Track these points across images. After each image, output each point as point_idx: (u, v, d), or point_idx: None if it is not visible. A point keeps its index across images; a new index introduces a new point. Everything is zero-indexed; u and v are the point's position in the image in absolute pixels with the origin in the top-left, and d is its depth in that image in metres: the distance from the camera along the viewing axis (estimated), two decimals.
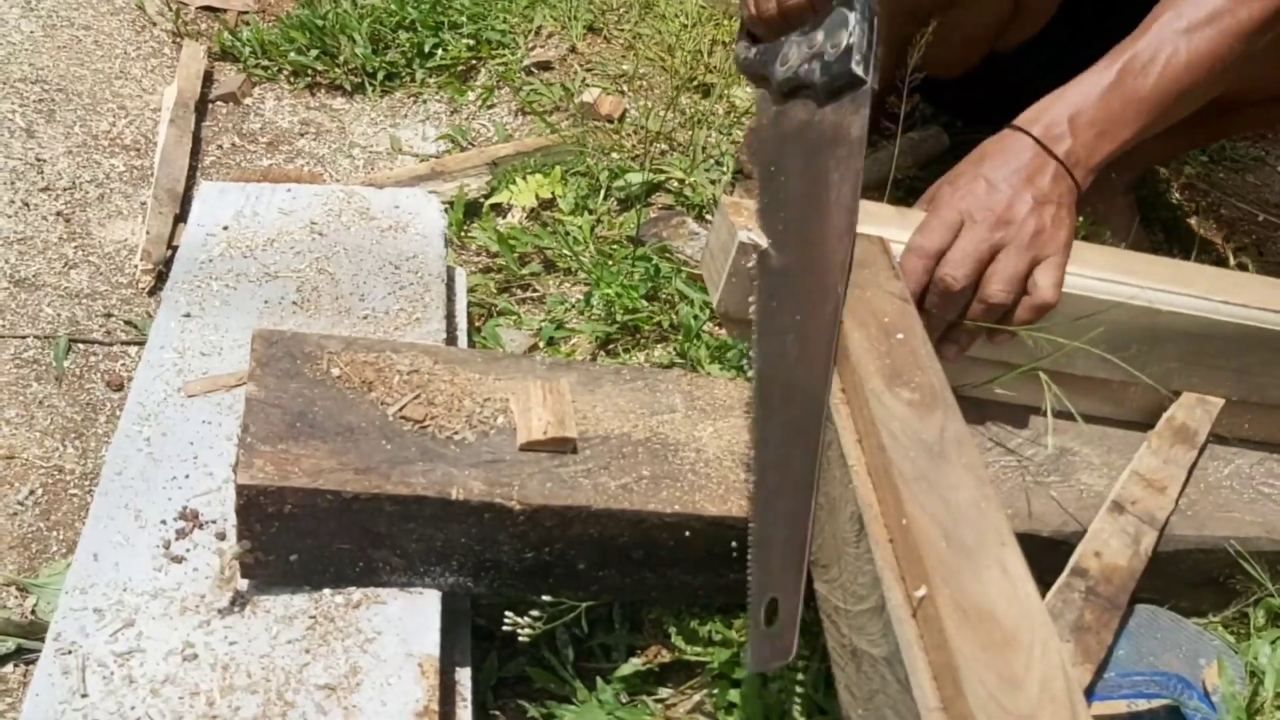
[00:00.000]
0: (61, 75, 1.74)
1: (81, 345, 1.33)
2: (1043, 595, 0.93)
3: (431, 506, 0.83)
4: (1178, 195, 1.94)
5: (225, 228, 1.23)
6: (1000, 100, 1.64)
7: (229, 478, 0.93)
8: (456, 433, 0.88)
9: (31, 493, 1.15)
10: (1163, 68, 1.02)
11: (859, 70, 0.97)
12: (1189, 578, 1.06)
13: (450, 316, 1.30)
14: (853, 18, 0.98)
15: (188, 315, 1.11)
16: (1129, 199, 1.65)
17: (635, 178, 1.60)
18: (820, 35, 1.01)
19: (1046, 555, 0.98)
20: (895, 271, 0.96)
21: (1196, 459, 1.06)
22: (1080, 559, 0.91)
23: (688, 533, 0.89)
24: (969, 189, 1.00)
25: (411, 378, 0.91)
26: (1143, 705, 0.96)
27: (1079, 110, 1.02)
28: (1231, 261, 1.75)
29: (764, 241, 0.96)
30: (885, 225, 1.01)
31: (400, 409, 0.88)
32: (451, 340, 1.26)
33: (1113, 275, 1.04)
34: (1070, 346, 1.01)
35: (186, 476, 0.95)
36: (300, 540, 0.83)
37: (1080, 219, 1.58)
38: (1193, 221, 1.87)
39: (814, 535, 0.85)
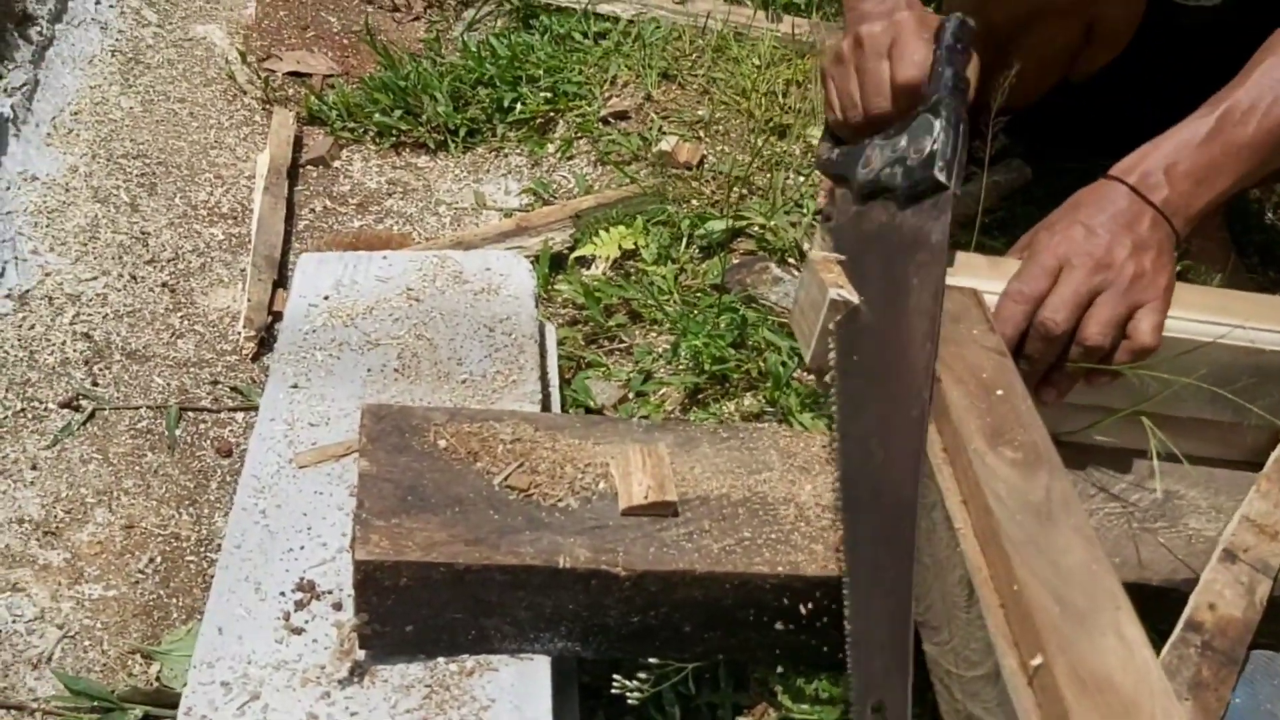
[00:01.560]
0: (161, 148, 1.81)
1: (191, 413, 1.39)
2: (1158, 648, 0.91)
3: (540, 575, 0.85)
4: (1270, 216, 1.90)
5: (326, 297, 1.27)
6: (1080, 130, 1.63)
7: (342, 548, 0.96)
8: (560, 500, 0.90)
9: (151, 560, 1.20)
10: (1262, 116, 1.01)
11: (941, 176, 0.97)
12: None
13: (544, 373, 1.32)
14: (938, 124, 0.98)
15: (295, 386, 1.15)
16: (1222, 234, 1.62)
17: (716, 225, 1.61)
18: (904, 140, 1.00)
19: (1158, 604, 0.96)
20: (990, 325, 0.96)
21: None
22: (1194, 611, 0.90)
23: (791, 593, 0.90)
24: (1066, 234, 1.00)
25: (514, 446, 0.94)
26: None
27: (1176, 160, 1.01)
28: None
29: (855, 298, 0.97)
30: (978, 276, 1.01)
31: (505, 478, 0.91)
32: (546, 398, 1.28)
33: (1213, 316, 1.02)
34: (1174, 385, 1.00)
35: (302, 548, 0.98)
36: (415, 611, 0.86)
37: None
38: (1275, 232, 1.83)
39: (922, 596, 0.85)
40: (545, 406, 1.25)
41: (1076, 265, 0.98)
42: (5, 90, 1.64)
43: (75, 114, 1.76)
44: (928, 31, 1.05)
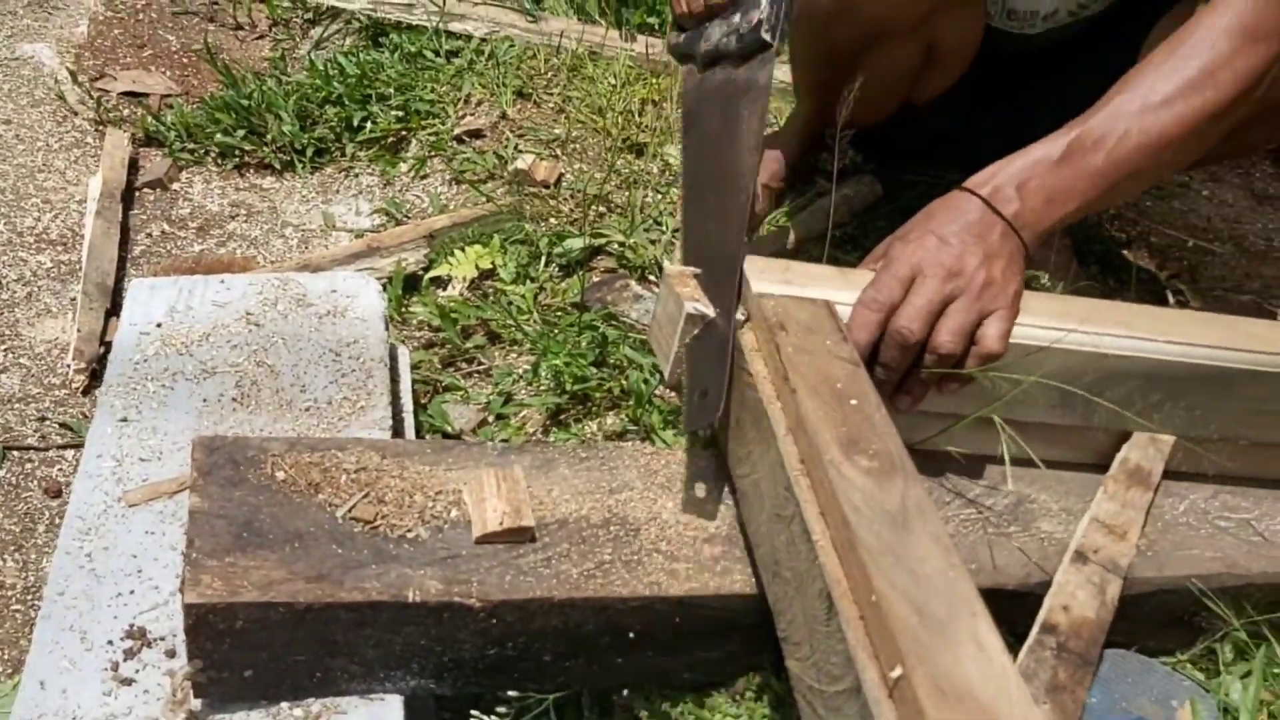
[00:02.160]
0: None
1: (16, 452, 1.29)
2: (1014, 652, 0.92)
3: (388, 611, 0.81)
4: (1110, 227, 1.97)
5: (159, 325, 1.20)
6: (927, 148, 1.67)
7: (175, 591, 0.90)
8: (409, 530, 0.86)
9: None
10: (1113, 147, 1.04)
11: (767, 36, 1.11)
12: (1155, 619, 1.06)
13: (396, 398, 1.27)
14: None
15: (124, 420, 1.08)
16: (1064, 241, 1.67)
17: (575, 243, 1.59)
18: (737, 15, 1.14)
19: (1014, 608, 0.97)
20: (843, 335, 0.96)
21: (1153, 499, 1.06)
22: (1049, 614, 0.90)
23: (653, 615, 0.87)
24: (919, 244, 1.01)
25: (359, 475, 0.89)
26: None
27: (1028, 177, 1.04)
28: (1170, 298, 1.77)
29: (711, 311, 0.96)
30: (830, 287, 1.01)
31: (349, 510, 0.86)
32: (398, 424, 1.23)
33: (1058, 322, 1.04)
34: (1023, 385, 1.01)
35: (131, 592, 0.91)
36: (254, 655, 0.80)
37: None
38: (1127, 253, 1.90)
39: (783, 611, 0.84)
40: (397, 433, 1.20)
41: (929, 274, 0.99)
42: None
43: None
44: None
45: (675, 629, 0.89)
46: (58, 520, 1.21)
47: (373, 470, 0.90)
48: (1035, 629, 0.90)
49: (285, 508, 0.85)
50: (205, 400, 1.11)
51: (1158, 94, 1.06)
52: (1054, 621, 0.89)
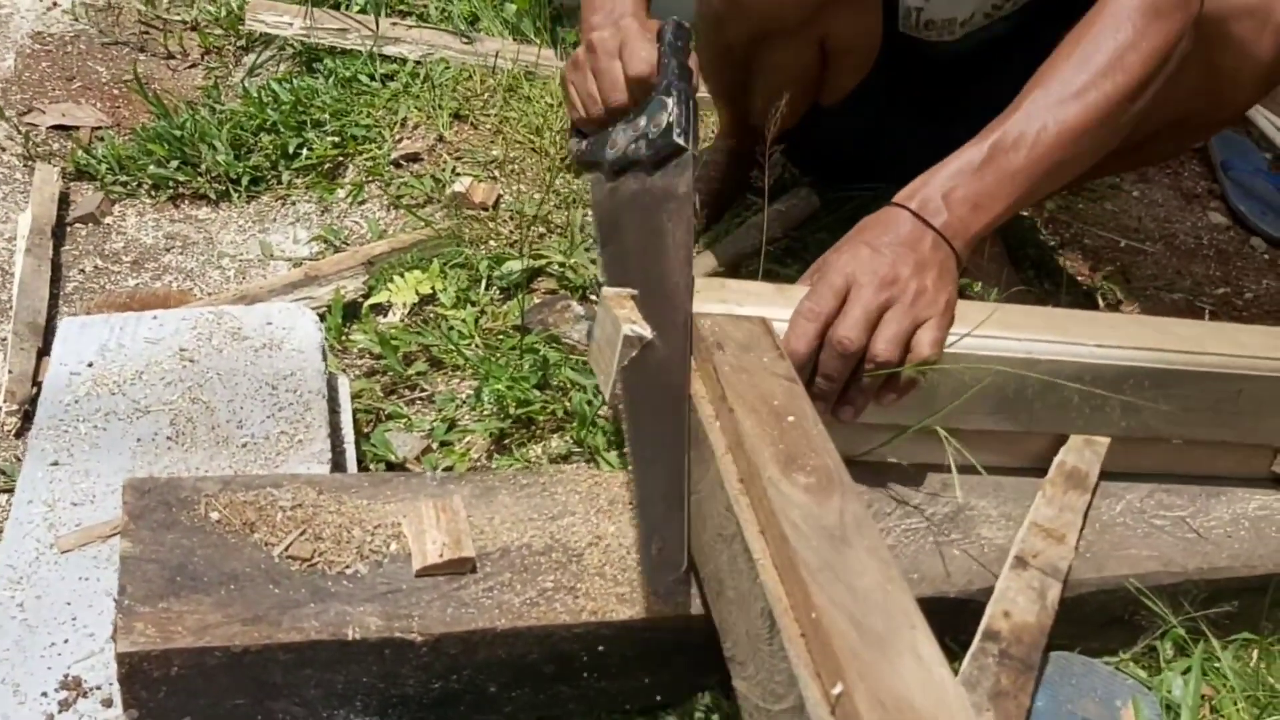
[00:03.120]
0: None
1: None
2: (959, 660, 0.93)
3: (327, 650, 0.80)
4: (1043, 231, 2.00)
5: (90, 364, 1.18)
6: (861, 159, 1.68)
7: (110, 638, 0.88)
8: (348, 566, 0.85)
9: None
10: (1032, 144, 1.07)
11: (680, 140, 1.06)
12: (1095, 619, 1.07)
13: (336, 429, 1.26)
14: (670, 101, 1.08)
15: (55, 463, 1.06)
16: (995, 248, 1.69)
17: (515, 265, 1.58)
18: (643, 120, 1.10)
19: (958, 615, 0.98)
20: (780, 352, 0.96)
21: (1091, 501, 1.08)
22: (991, 621, 0.91)
23: (597, 641, 0.87)
24: (854, 255, 1.03)
25: (295, 513, 0.88)
26: None
27: (954, 186, 1.07)
28: (1101, 305, 1.80)
29: (648, 333, 0.96)
30: (766, 304, 1.02)
31: (286, 548, 0.85)
32: (339, 457, 1.22)
33: (991, 331, 1.06)
34: (964, 396, 1.03)
35: (65, 641, 0.90)
36: (192, 701, 0.79)
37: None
38: (1060, 256, 1.93)
39: (728, 631, 0.84)
40: (338, 465, 1.19)
41: (864, 284, 1.00)
42: None
43: None
44: (650, 34, 1.13)
45: (621, 654, 0.89)
46: None
47: (309, 506, 0.89)
48: (978, 637, 0.91)
49: (220, 549, 0.84)
50: (139, 440, 1.09)
51: (1070, 86, 1.09)
52: (996, 628, 0.90)
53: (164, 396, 1.15)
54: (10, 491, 1.27)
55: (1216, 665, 1.13)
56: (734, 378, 0.91)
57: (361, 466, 1.32)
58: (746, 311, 1.00)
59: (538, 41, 2.22)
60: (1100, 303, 1.80)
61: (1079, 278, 1.87)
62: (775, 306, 1.02)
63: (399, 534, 0.89)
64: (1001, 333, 1.06)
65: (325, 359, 1.25)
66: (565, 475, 1.00)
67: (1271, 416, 1.17)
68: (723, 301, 1.00)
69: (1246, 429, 1.17)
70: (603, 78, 1.14)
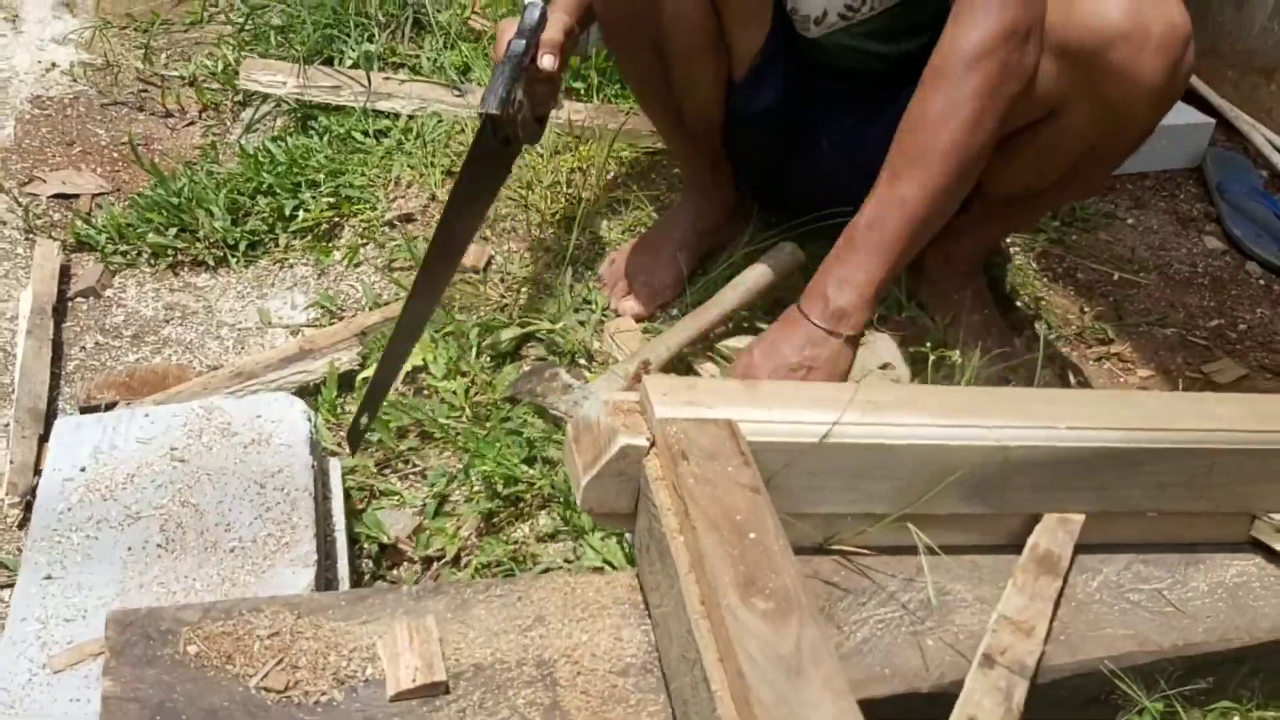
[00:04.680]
0: None
1: None
2: None
3: None
4: (1034, 265, 2.00)
5: (83, 469, 1.21)
6: (817, 193, 1.69)
7: None
8: (324, 694, 0.88)
9: None
10: (887, 217, 1.32)
11: (485, 106, 1.41)
12: (1072, 701, 1.08)
13: (327, 517, 1.29)
14: (494, 76, 1.42)
15: (48, 578, 1.09)
16: (976, 285, 1.70)
17: (504, 334, 1.61)
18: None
19: (930, 709, 1.00)
20: (745, 458, 0.98)
21: (1063, 585, 1.09)
22: None
23: None
24: (766, 359, 1.37)
25: (272, 641, 0.90)
26: None
27: (833, 280, 1.35)
28: (1091, 350, 1.80)
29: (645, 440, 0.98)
30: (734, 405, 1.03)
31: (261, 679, 0.87)
32: (330, 547, 1.25)
33: (959, 420, 1.07)
34: (934, 490, 1.04)
35: None
36: None
37: (935, 320, 1.64)
38: (1053, 293, 1.93)
39: None
40: (327, 557, 1.22)
41: (777, 377, 1.34)
42: None
43: None
44: (514, 27, 1.44)
45: None
46: None
47: (286, 634, 0.91)
48: None
49: (198, 683, 0.86)
50: (130, 549, 1.12)
51: (909, 152, 1.31)
52: None
53: (155, 500, 1.18)
54: (11, 586, 1.31)
55: None
56: (698, 490, 0.92)
57: (354, 548, 1.35)
58: (714, 414, 1.01)
59: None
60: (1091, 346, 1.81)
61: (1070, 317, 1.87)
62: (744, 407, 1.03)
63: (375, 656, 0.91)
64: (970, 421, 1.07)
65: (314, 450, 1.28)
66: (542, 582, 1.02)
67: (1246, 485, 1.17)
68: (691, 404, 1.01)
69: (1221, 499, 1.17)
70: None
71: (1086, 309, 1.89)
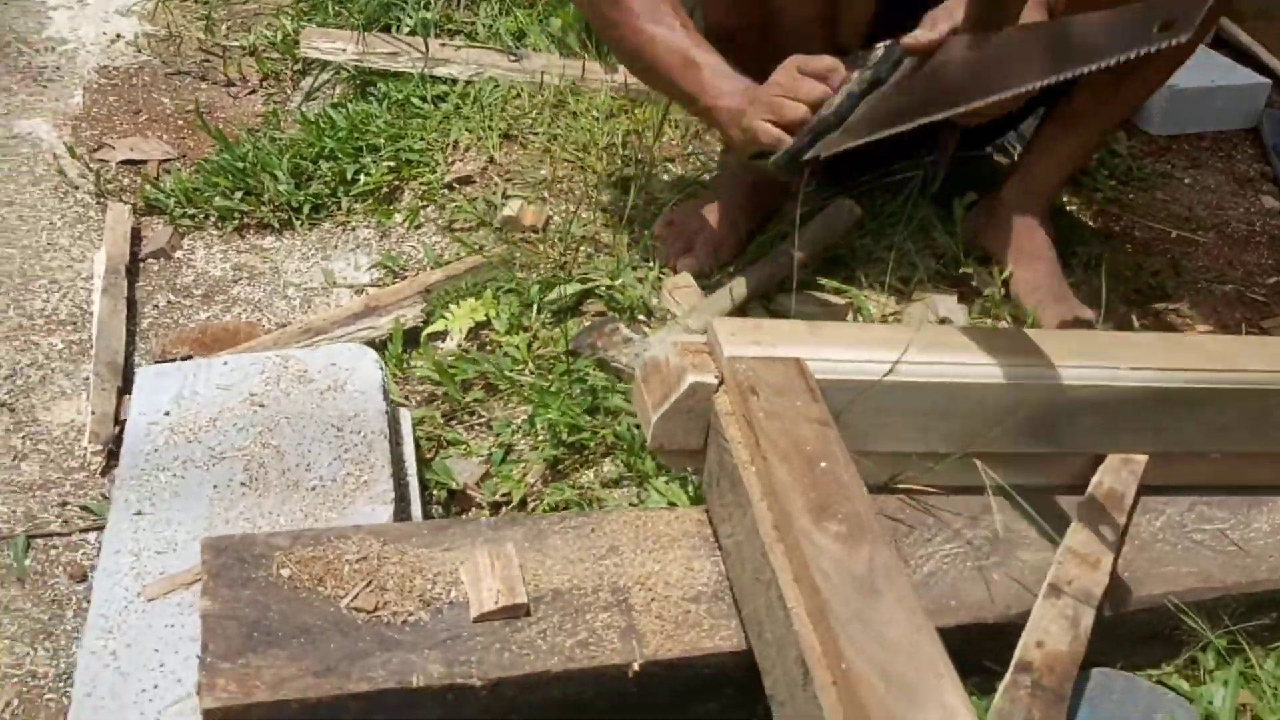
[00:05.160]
0: None
1: (40, 540, 1.35)
2: (993, 689, 0.96)
3: (395, 697, 0.86)
4: (1092, 223, 2.00)
5: (167, 413, 1.26)
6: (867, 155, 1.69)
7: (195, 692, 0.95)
8: (411, 614, 0.91)
9: (8, 705, 1.17)
10: None
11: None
12: (1136, 635, 1.10)
13: (400, 462, 1.33)
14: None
15: (139, 513, 1.13)
16: (1044, 233, 1.71)
17: (564, 289, 1.63)
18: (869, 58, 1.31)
19: (996, 641, 1.01)
20: (813, 394, 1.00)
21: (1127, 523, 1.10)
22: (1024, 652, 0.95)
23: (648, 679, 0.92)
24: None
25: (361, 565, 0.94)
26: None
27: None
28: (1148, 305, 1.79)
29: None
30: (800, 345, 1.05)
31: (352, 600, 0.91)
32: (403, 491, 1.28)
33: (1021, 359, 1.08)
34: (995, 431, 1.06)
35: (155, 686, 0.97)
36: None
37: (992, 274, 1.64)
38: (1110, 251, 1.92)
39: (769, 670, 0.88)
40: (402, 500, 1.25)
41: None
42: None
43: None
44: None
45: (670, 689, 0.94)
46: (85, 605, 1.26)
47: (373, 558, 0.95)
48: (1011, 668, 0.94)
49: (292, 604, 0.90)
50: (215, 487, 1.17)
51: None
52: (1028, 660, 0.93)
53: (237, 442, 1.22)
54: (98, 529, 1.36)
55: (1256, 675, 1.15)
56: (768, 424, 0.95)
57: (425, 494, 1.39)
58: (780, 353, 1.03)
59: (584, 55, 2.26)
60: (1150, 302, 1.80)
61: (1127, 273, 1.86)
62: (809, 346, 1.05)
63: (457, 580, 0.95)
64: (1030, 360, 1.09)
65: (386, 397, 1.32)
66: (614, 515, 1.05)
67: None
68: (757, 344, 1.04)
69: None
70: (799, 85, 1.30)
71: (1144, 265, 1.88)
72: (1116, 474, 1.13)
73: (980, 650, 1.01)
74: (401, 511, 1.26)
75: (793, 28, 1.52)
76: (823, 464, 0.92)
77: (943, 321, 1.65)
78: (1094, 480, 1.13)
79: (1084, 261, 1.84)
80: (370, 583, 0.93)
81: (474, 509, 1.42)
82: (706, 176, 1.94)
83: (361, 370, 1.33)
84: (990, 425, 1.09)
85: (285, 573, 0.92)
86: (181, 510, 1.14)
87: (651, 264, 1.74)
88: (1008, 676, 0.93)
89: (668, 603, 0.97)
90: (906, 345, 1.05)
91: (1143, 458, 1.16)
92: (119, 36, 2.49)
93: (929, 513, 1.13)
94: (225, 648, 0.86)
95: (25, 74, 2.25)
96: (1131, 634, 1.09)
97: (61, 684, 1.19)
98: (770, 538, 0.88)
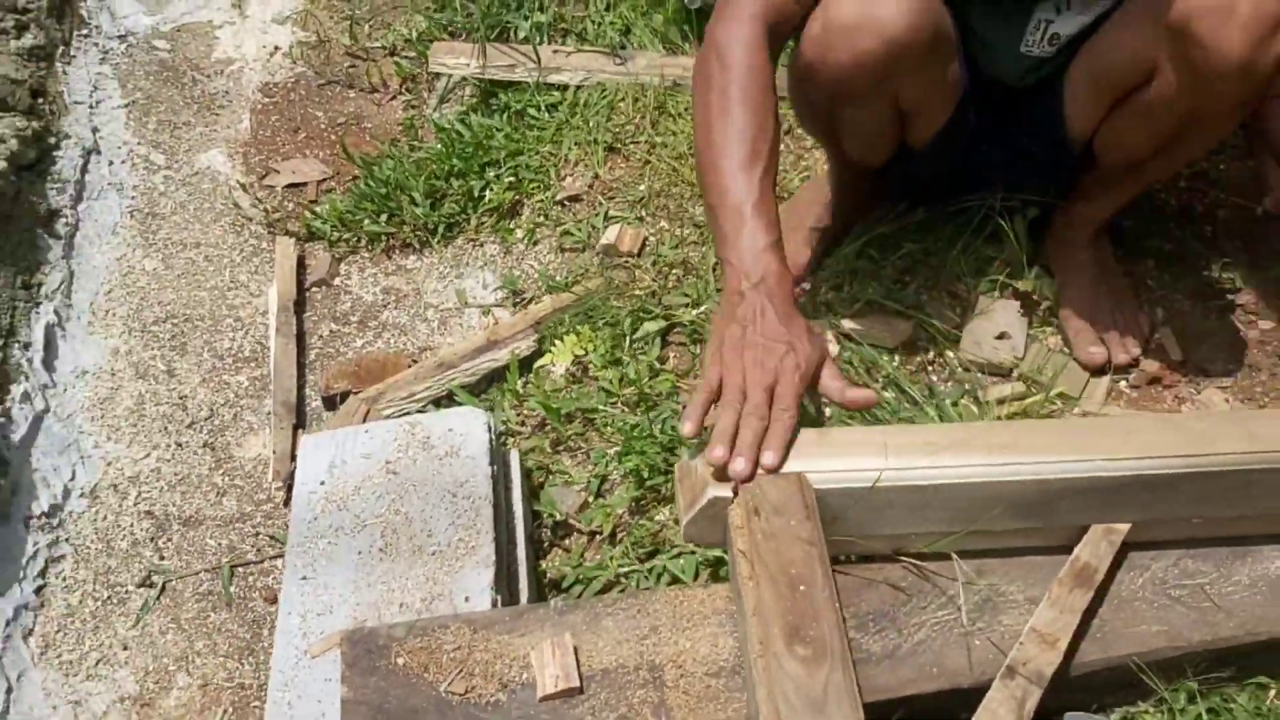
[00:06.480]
0: (185, 303, 2.12)
1: (240, 568, 1.72)
2: None
3: None
4: (1174, 203, 2.05)
5: (322, 483, 1.58)
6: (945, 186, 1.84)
7: None
8: (492, 696, 1.21)
9: (225, 712, 1.55)
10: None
11: None
12: (1106, 687, 1.29)
13: (509, 506, 1.61)
14: None
15: (304, 578, 1.47)
16: (1098, 250, 1.81)
17: (651, 326, 1.86)
18: None
19: (969, 702, 1.23)
20: (808, 510, 1.21)
21: (1097, 595, 1.28)
22: None
23: None
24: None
25: (455, 654, 1.24)
26: None
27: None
28: (1213, 307, 1.83)
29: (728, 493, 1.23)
30: (804, 457, 1.26)
31: (449, 685, 1.21)
32: (509, 534, 1.57)
33: (1004, 458, 1.26)
34: (975, 524, 1.25)
35: None
36: None
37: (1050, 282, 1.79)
38: (1186, 233, 1.98)
39: None
40: (508, 540, 1.54)
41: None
42: (47, 296, 1.95)
43: (108, 293, 2.08)
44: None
45: None
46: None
47: (465, 646, 1.24)
48: None
49: (405, 689, 1.21)
50: (360, 553, 1.48)
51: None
52: None
53: (375, 510, 1.53)
54: (283, 556, 1.72)
55: (1230, 707, 1.33)
56: (764, 546, 1.17)
57: (535, 520, 1.68)
58: (787, 467, 1.25)
59: (686, 48, 2.40)
60: (1217, 297, 1.87)
61: (1199, 264, 1.93)
62: (813, 458, 1.26)
63: (529, 664, 1.23)
64: (1016, 458, 1.26)
65: (493, 458, 1.60)
66: (658, 595, 1.31)
67: None
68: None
69: (1262, 509, 1.32)
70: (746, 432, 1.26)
71: (1218, 254, 1.94)
72: (1095, 547, 1.31)
73: (954, 713, 1.24)
74: (508, 554, 1.55)
75: (859, 122, 1.67)
76: (803, 587, 1.14)
77: (1000, 336, 1.80)
78: (1072, 555, 1.31)
79: (1155, 254, 1.92)
80: (462, 669, 1.22)
81: (574, 534, 1.70)
82: (798, 184, 2.09)
83: (474, 435, 1.61)
84: (979, 513, 1.28)
85: (400, 661, 1.23)
86: (335, 575, 1.46)
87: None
88: None
89: (694, 679, 1.23)
90: (899, 452, 1.25)
91: (1124, 526, 1.32)
92: (276, 49, 2.77)
93: (927, 579, 1.34)
94: None
95: (200, 103, 2.57)
96: (1099, 687, 1.28)
97: (263, 694, 1.56)
98: (755, 652, 1.12)
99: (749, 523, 1.20)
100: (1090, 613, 1.29)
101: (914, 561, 1.33)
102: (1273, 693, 1.35)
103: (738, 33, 1.43)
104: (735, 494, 1.25)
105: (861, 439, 1.31)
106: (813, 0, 1.47)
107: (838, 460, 1.26)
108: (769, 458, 1.23)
